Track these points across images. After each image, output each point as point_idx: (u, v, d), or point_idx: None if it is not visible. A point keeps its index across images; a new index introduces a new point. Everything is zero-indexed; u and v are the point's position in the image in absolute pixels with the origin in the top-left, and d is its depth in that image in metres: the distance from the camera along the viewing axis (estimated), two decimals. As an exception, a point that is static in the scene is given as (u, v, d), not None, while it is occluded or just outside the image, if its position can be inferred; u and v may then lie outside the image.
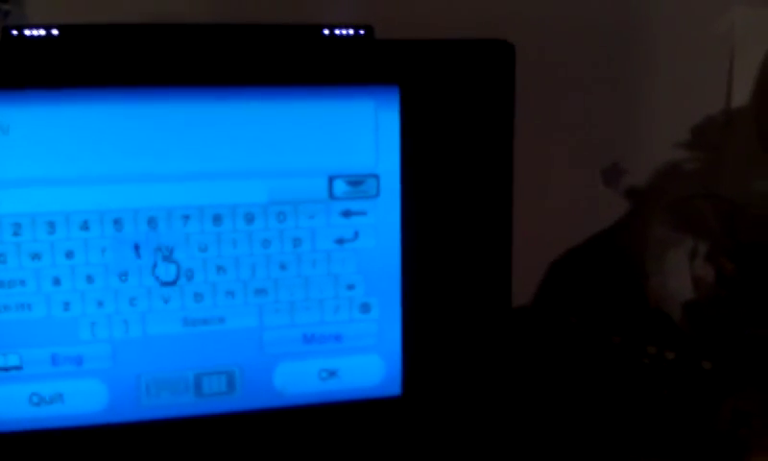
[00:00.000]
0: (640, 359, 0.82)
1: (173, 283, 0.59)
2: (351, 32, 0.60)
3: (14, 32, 0.55)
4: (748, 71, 0.94)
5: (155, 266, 0.59)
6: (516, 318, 0.87)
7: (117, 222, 0.58)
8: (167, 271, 0.59)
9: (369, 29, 0.61)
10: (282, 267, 0.61)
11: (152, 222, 0.58)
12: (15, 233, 0.56)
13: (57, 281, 0.58)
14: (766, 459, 0.70)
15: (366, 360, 0.64)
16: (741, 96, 0.94)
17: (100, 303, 0.58)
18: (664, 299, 0.92)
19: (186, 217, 0.59)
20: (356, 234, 0.62)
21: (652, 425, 0.76)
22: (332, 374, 0.63)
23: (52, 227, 0.57)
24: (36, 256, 0.57)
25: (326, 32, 0.60)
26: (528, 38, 0.77)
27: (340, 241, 0.61)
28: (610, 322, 0.87)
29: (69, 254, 0.57)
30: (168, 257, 0.59)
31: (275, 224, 0.60)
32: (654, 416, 0.77)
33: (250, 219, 0.60)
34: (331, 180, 0.61)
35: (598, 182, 0.93)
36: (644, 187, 0.94)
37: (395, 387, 0.65)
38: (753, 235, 0.93)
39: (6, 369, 0.58)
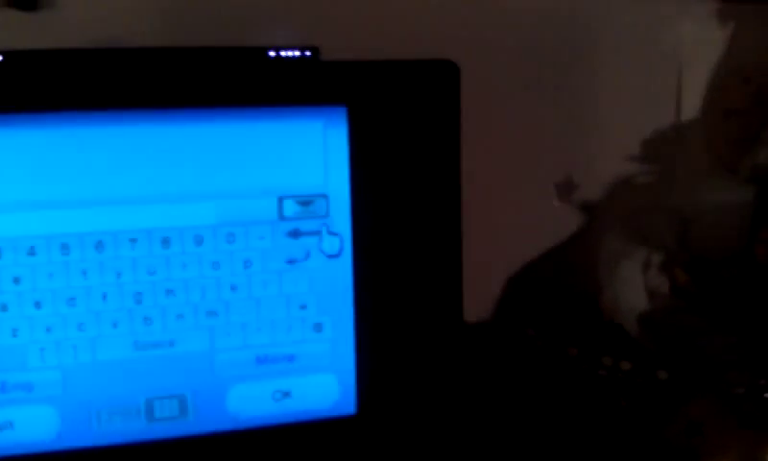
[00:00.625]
0: (597, 370, 0.83)
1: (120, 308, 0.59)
2: (298, 53, 0.60)
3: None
4: (697, 85, 0.95)
5: (103, 292, 0.58)
6: (474, 332, 0.87)
7: (64, 247, 0.57)
8: (115, 295, 0.59)
9: (315, 50, 0.61)
10: (233, 289, 0.61)
11: (99, 246, 0.58)
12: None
13: (4, 308, 0.57)
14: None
15: (320, 380, 0.64)
16: (690, 110, 0.96)
17: (48, 329, 0.58)
18: (619, 310, 0.93)
19: (134, 240, 0.58)
20: (307, 254, 0.62)
21: (609, 436, 0.76)
22: (286, 394, 0.63)
23: (-3, 253, 0.56)
24: (-20, 283, 0.56)
25: (272, 53, 0.60)
26: (478, 56, 0.78)
27: (291, 261, 0.62)
28: (566, 334, 0.88)
29: (16, 281, 0.57)
30: (116, 283, 0.58)
31: (224, 246, 0.60)
32: (611, 427, 0.77)
33: (199, 241, 0.60)
34: (281, 200, 0.61)
35: (552, 197, 0.94)
36: (597, 201, 0.95)
37: (349, 406, 0.65)
38: (705, 247, 0.94)
39: (-48, 397, 0.57)
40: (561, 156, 0.94)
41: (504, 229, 0.91)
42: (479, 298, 0.91)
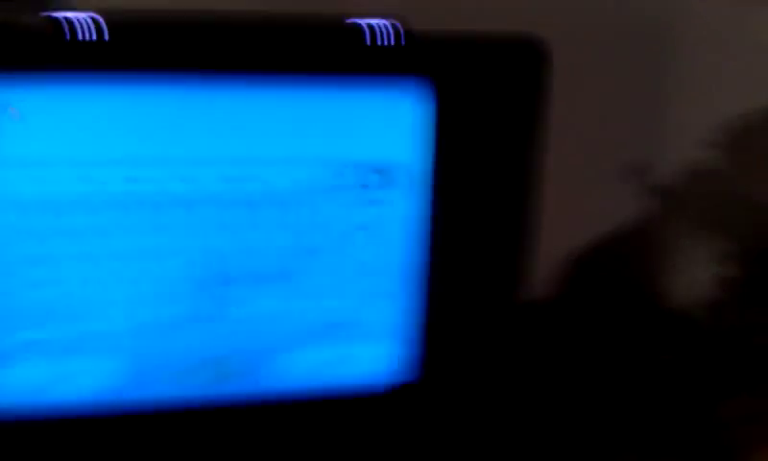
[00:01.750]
0: (653, 359, 0.83)
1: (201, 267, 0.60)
2: (388, 24, 0.60)
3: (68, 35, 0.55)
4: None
5: (185, 250, 0.60)
6: (539, 312, 0.87)
7: (151, 205, 0.58)
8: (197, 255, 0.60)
9: (404, 22, 0.61)
10: (310, 253, 0.62)
11: (186, 205, 0.59)
12: (47, 213, 0.56)
13: (86, 260, 0.58)
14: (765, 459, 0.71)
15: (385, 346, 0.65)
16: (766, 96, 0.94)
17: (128, 284, 0.59)
18: (686, 298, 0.93)
19: (218, 201, 0.59)
20: (384, 223, 0.62)
21: (657, 424, 0.77)
22: (353, 358, 0.64)
23: (83, 208, 0.57)
24: (67, 235, 0.57)
25: (363, 24, 0.60)
26: (558, 35, 0.78)
27: (365, 228, 0.62)
28: (626, 319, 0.88)
29: (98, 235, 0.58)
30: (199, 243, 0.59)
31: (304, 210, 0.61)
32: (660, 415, 0.78)
33: (280, 205, 0.60)
34: (362, 168, 0.61)
35: (622, 181, 0.93)
36: (670, 186, 0.94)
37: (413, 373, 0.66)
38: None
39: (30, 343, 0.58)
40: (635, 138, 0.93)
41: (572, 211, 0.90)
42: (541, 278, 0.91)
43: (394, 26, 0.61)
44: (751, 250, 0.89)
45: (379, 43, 0.60)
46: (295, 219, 0.61)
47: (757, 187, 0.94)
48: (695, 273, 0.92)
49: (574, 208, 0.90)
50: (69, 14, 0.54)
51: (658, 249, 0.94)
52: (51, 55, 0.54)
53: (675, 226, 0.93)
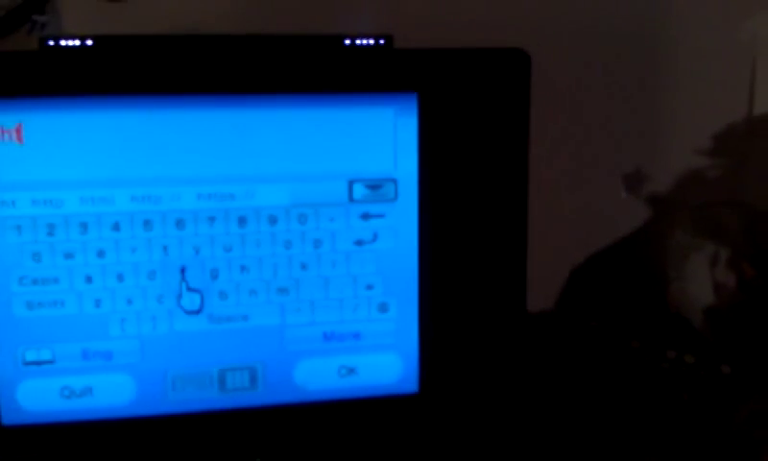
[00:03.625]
0: (660, 364, 0.83)
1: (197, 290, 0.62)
2: (372, 41, 0.62)
3: (51, 42, 0.58)
4: (771, 78, 0.94)
5: (181, 266, 0.61)
6: (538, 322, 0.88)
7: (147, 223, 0.60)
8: (194, 270, 0.62)
9: (388, 38, 0.63)
10: (303, 267, 0.63)
11: (179, 223, 0.61)
12: (50, 233, 0.59)
13: (88, 279, 0.60)
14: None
15: (384, 358, 0.66)
16: (764, 103, 0.94)
17: (129, 301, 0.61)
18: (685, 304, 0.93)
19: (212, 219, 0.61)
20: (375, 236, 0.64)
21: (671, 429, 0.77)
22: (351, 371, 0.65)
23: (84, 227, 0.59)
24: (68, 256, 0.60)
25: (347, 41, 0.62)
26: (551, 45, 0.79)
27: (359, 243, 0.63)
28: (629, 326, 0.88)
29: (101, 254, 0.60)
30: (194, 258, 0.61)
31: (296, 226, 0.62)
32: (673, 419, 0.78)
33: (273, 221, 0.62)
34: (351, 183, 0.63)
35: (620, 188, 0.94)
36: (666, 193, 0.95)
37: (412, 385, 0.67)
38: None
39: (39, 363, 0.61)
40: (630, 147, 0.94)
41: (571, 219, 0.91)
42: (543, 288, 0.92)
43: (380, 43, 0.62)
44: (745, 253, 0.89)
45: (366, 60, 0.62)
46: (285, 235, 0.62)
47: (753, 192, 0.94)
48: (693, 279, 0.92)
49: (574, 217, 0.91)
50: (60, 41, 0.56)
51: (656, 256, 0.94)
52: (40, 77, 0.57)
53: (672, 232, 0.94)
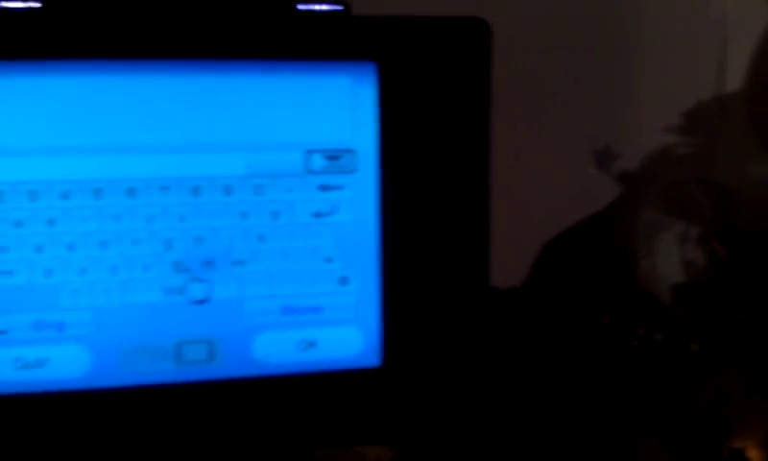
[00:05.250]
0: (629, 341, 0.83)
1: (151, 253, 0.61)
2: (328, 7, 0.61)
3: (-4, 5, 0.57)
4: (741, 56, 0.94)
5: (134, 237, 0.60)
6: (506, 298, 0.88)
7: (97, 192, 0.59)
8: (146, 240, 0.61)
9: (345, 5, 0.62)
10: (261, 239, 0.62)
11: (131, 192, 0.60)
12: (-6, 201, 0.58)
13: (39, 249, 0.59)
14: (746, 437, 0.71)
15: (344, 332, 0.65)
16: (734, 82, 0.95)
17: (81, 271, 0.60)
18: (654, 282, 0.93)
19: (165, 188, 0.60)
20: (334, 208, 0.63)
21: (638, 406, 0.77)
22: (311, 344, 0.65)
23: (33, 195, 0.58)
24: (18, 224, 0.59)
25: (303, 7, 0.61)
26: (519, 20, 0.78)
27: (317, 215, 0.63)
28: (598, 303, 0.88)
29: (51, 222, 0.59)
30: (147, 228, 0.60)
31: (252, 196, 0.61)
32: (641, 396, 0.78)
33: (228, 191, 0.61)
34: (309, 154, 0.62)
35: (590, 165, 0.94)
36: (636, 171, 0.95)
37: (373, 358, 0.66)
38: (745, 220, 0.93)
39: (-12, 334, 0.59)
40: (600, 124, 0.93)
41: (539, 195, 0.91)
42: (512, 265, 0.91)
43: (337, 10, 0.61)
44: (715, 232, 0.89)
45: (322, 26, 0.61)
46: (241, 206, 0.61)
47: (723, 171, 0.95)
48: (663, 257, 0.92)
49: (543, 194, 0.91)
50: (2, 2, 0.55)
51: (626, 233, 0.94)
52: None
53: (642, 210, 0.94)
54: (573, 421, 0.75)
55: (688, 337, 0.81)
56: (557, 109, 0.91)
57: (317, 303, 0.64)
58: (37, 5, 0.56)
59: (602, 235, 0.95)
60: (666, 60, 0.93)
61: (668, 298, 0.91)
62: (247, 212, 0.62)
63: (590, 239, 0.95)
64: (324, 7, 0.61)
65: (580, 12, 0.89)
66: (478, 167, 0.65)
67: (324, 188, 0.62)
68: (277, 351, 0.64)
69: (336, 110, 0.62)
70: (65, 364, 0.61)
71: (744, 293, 0.86)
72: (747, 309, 0.85)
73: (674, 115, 0.94)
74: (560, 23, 0.89)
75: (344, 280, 0.64)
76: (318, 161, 0.62)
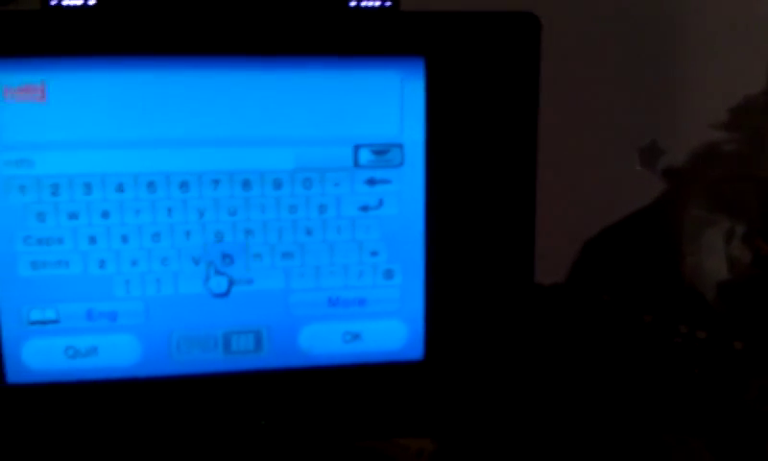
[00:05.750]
0: (672, 338, 0.82)
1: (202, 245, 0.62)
2: (378, 3, 0.62)
3: (53, 1, 0.58)
4: (790, 52, 0.93)
5: (186, 229, 0.61)
6: (550, 294, 0.87)
7: (151, 185, 0.60)
8: (197, 233, 0.62)
9: (395, 1, 0.62)
10: (308, 232, 0.63)
11: (184, 186, 0.61)
12: (54, 194, 0.59)
13: (93, 240, 0.60)
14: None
15: (388, 324, 0.66)
16: (783, 78, 0.93)
17: (134, 262, 0.61)
18: (698, 279, 0.92)
19: (216, 181, 0.61)
20: (380, 202, 0.63)
21: (682, 403, 0.76)
22: (356, 336, 0.65)
23: (88, 188, 0.60)
24: (73, 216, 0.60)
25: (353, 3, 0.61)
26: (567, 17, 0.78)
27: (364, 208, 0.63)
28: (642, 300, 0.87)
29: (105, 215, 0.60)
30: (198, 221, 0.61)
31: (301, 190, 0.62)
32: (684, 394, 0.77)
33: (277, 185, 0.62)
34: (357, 148, 0.62)
35: (636, 162, 0.93)
36: (682, 168, 0.94)
37: (417, 351, 0.66)
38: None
39: (44, 322, 0.61)
40: (647, 120, 0.93)
41: (585, 191, 0.91)
42: (556, 261, 0.91)
43: (386, 5, 0.62)
44: (761, 229, 0.88)
45: (372, 22, 0.61)
46: (290, 200, 0.62)
47: (767, 168, 0.94)
48: (708, 254, 0.91)
49: (588, 190, 0.91)
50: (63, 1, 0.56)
51: (671, 230, 0.94)
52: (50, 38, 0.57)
53: (687, 207, 0.93)
54: (615, 418, 0.75)
55: (732, 335, 0.81)
56: (603, 106, 0.90)
57: (362, 296, 0.65)
58: (93, 2, 0.57)
59: (647, 232, 0.95)
60: (713, 56, 0.92)
61: (712, 295, 0.90)
62: (295, 206, 0.62)
63: (635, 236, 0.95)
64: (374, 3, 0.61)
65: (627, 9, 0.88)
66: (525, 163, 0.65)
67: (372, 182, 0.63)
68: (323, 342, 0.65)
69: (384, 105, 0.62)
70: (116, 353, 0.62)
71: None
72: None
73: (720, 112, 0.93)
74: (606, 19, 0.88)
75: (389, 274, 0.65)
76: (365, 156, 0.62)
